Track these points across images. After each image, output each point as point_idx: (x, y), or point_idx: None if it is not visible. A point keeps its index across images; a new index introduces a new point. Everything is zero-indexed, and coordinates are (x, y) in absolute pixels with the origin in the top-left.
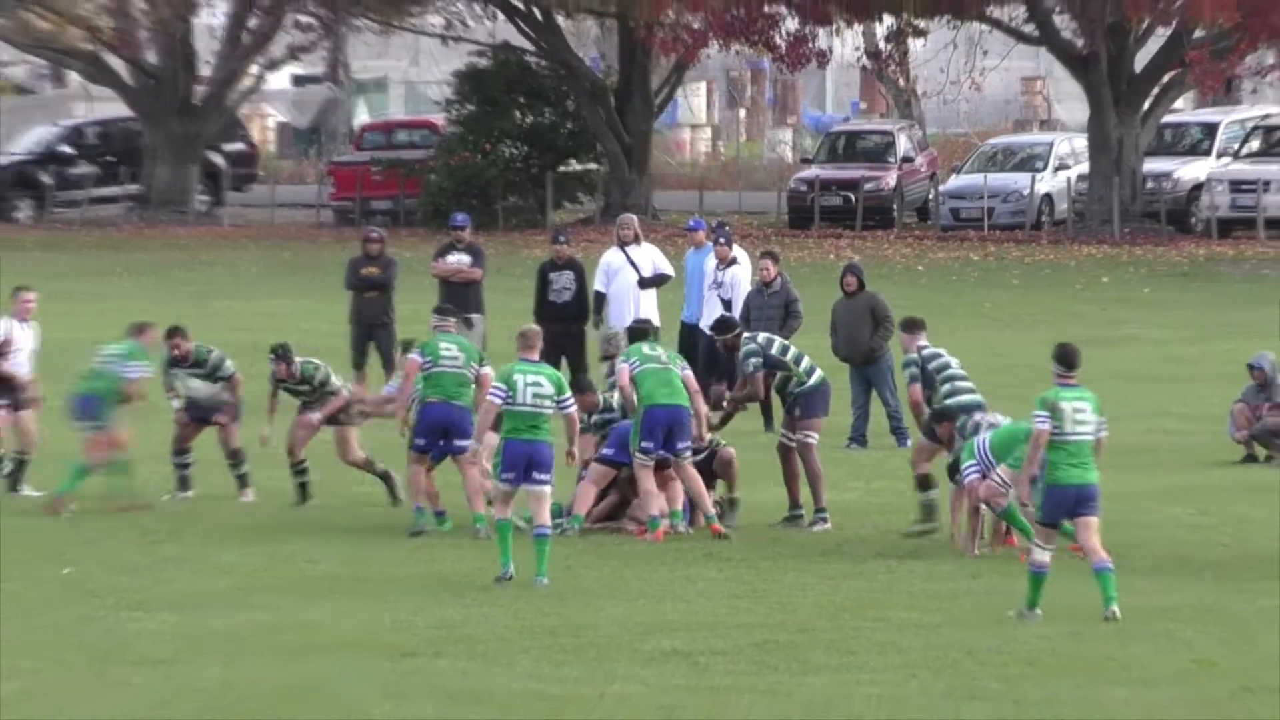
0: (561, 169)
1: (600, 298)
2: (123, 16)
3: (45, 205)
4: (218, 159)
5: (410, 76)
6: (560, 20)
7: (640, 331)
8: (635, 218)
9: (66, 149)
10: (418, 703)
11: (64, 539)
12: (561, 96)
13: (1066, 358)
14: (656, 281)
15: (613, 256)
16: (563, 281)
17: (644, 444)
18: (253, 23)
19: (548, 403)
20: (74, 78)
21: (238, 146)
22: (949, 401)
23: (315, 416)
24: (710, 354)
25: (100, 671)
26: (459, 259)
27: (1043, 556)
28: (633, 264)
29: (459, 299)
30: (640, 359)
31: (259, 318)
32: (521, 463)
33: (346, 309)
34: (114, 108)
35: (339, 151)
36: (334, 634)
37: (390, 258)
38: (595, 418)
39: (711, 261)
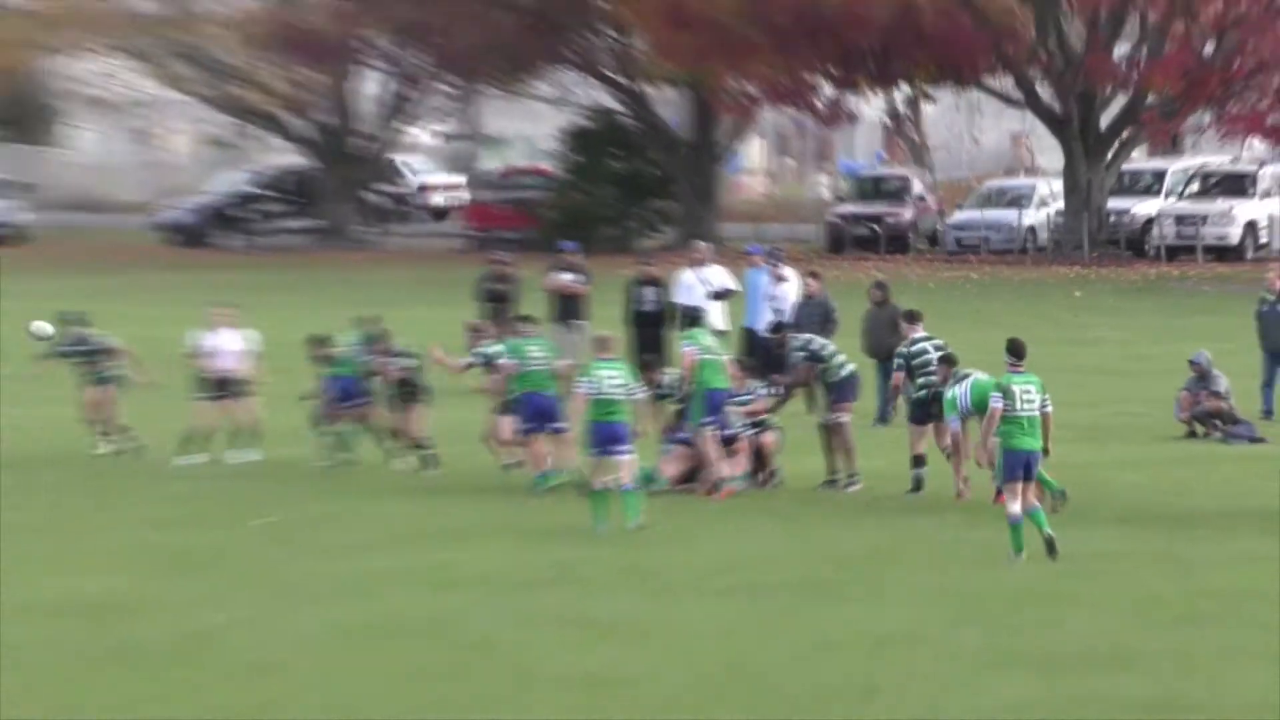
0: (646, 205)
1: (677, 307)
2: (298, 85)
3: (245, 235)
4: (380, 198)
5: (527, 132)
6: (645, 88)
7: (693, 318)
8: (705, 244)
9: (256, 190)
10: (537, 627)
11: (265, 496)
12: (646, 148)
13: (1016, 349)
14: (723, 295)
15: (687, 275)
16: (648, 295)
17: (706, 419)
18: (404, 90)
19: (622, 391)
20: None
21: (395, 188)
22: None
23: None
24: (766, 351)
25: (286, 605)
26: (568, 277)
27: (1015, 508)
28: (703, 281)
29: (568, 309)
30: (702, 349)
31: (407, 323)
32: (605, 439)
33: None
34: (294, 158)
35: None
36: (469, 571)
37: (513, 275)
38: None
39: (766, 279)
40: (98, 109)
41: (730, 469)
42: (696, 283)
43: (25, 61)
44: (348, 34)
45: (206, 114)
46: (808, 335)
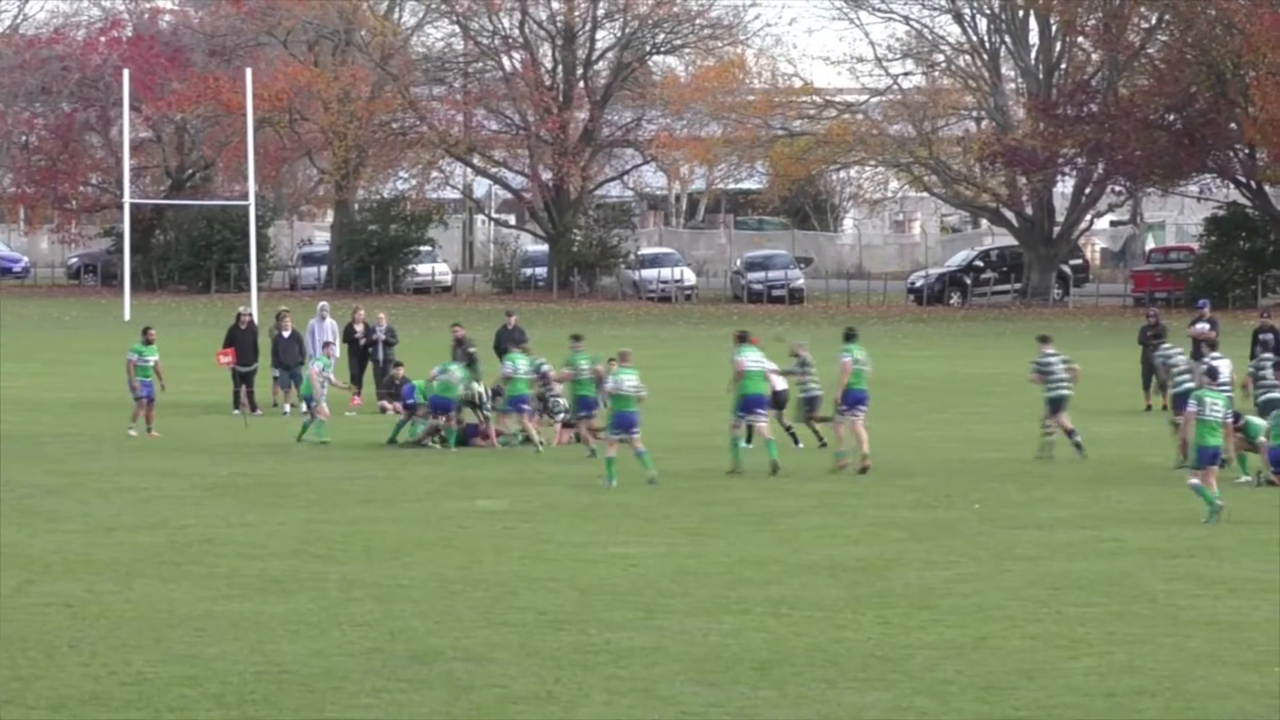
0: (1266, 274)
1: None
2: (1010, 187)
3: (967, 297)
4: (1066, 269)
5: (1178, 220)
6: (1266, 188)
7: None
8: None
9: (978, 263)
10: (1182, 584)
11: (975, 488)
12: (1267, 232)
13: None
14: None
15: None
16: (1267, 338)
17: None
18: (1086, 190)
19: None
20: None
21: (1077, 261)
22: None
23: None
24: None
25: (997, 565)
26: (1203, 326)
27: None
28: None
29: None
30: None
31: (1087, 360)
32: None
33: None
34: (1005, 239)
35: (1136, 265)
36: (1132, 545)
37: (1163, 325)
38: None
39: None
40: (862, 203)
41: None
42: None
43: (810, 170)
44: (1048, 150)
45: (943, 207)
46: None
